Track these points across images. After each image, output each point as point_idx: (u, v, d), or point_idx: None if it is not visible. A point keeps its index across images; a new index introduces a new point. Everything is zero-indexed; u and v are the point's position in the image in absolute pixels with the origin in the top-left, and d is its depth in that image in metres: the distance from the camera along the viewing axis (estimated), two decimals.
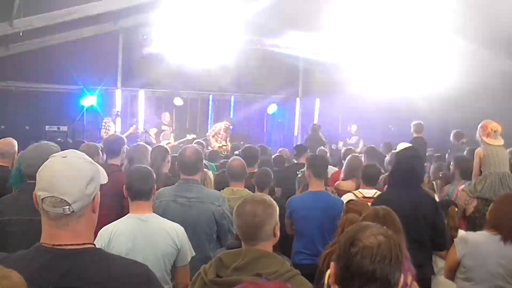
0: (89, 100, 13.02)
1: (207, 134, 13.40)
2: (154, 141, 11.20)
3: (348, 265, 1.64)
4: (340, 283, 1.68)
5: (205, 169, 5.06)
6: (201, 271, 2.34)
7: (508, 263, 3.46)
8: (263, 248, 2.32)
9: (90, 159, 1.89)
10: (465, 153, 7.09)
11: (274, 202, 2.47)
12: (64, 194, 1.74)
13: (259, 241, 2.33)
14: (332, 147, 12.57)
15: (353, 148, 8.93)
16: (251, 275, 2.15)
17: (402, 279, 1.67)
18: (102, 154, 5.23)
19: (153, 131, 12.63)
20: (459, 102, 12.70)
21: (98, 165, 1.94)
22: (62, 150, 2.12)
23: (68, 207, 1.74)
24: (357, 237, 1.67)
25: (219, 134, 13.31)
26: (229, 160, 4.96)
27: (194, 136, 12.47)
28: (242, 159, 4.85)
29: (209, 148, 12.08)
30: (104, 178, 1.92)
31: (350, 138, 13.18)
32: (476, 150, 5.69)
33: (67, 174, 1.76)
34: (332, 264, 1.73)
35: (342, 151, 8.03)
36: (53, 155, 1.85)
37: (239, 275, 2.17)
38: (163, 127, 12.68)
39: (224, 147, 12.42)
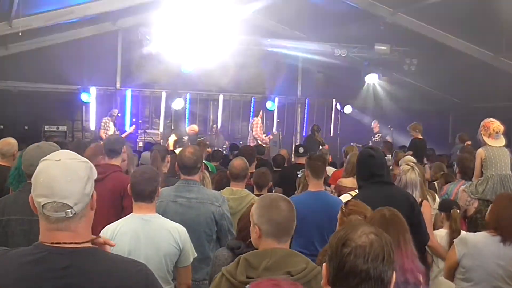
0: (86, 99, 13.05)
1: (254, 133, 13.47)
2: (171, 148, 11.05)
3: (341, 265, 1.63)
4: (333, 284, 1.66)
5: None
6: (224, 273, 2.31)
7: (507, 264, 3.48)
8: (287, 246, 2.36)
9: (82, 157, 1.87)
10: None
11: None
12: (65, 198, 1.73)
13: (288, 237, 2.38)
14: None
15: (353, 145, 8.91)
16: (282, 274, 2.16)
17: (394, 277, 1.67)
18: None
19: (172, 138, 12.46)
20: (459, 101, 12.78)
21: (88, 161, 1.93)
22: (61, 149, 2.10)
23: (70, 210, 1.74)
24: (348, 237, 1.66)
25: (260, 125, 13.70)
26: (232, 160, 4.96)
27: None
28: (245, 160, 4.85)
29: (259, 142, 12.35)
30: (95, 173, 1.90)
31: (374, 136, 13.07)
32: (477, 151, 5.68)
33: (65, 177, 1.74)
34: (324, 265, 1.72)
35: (344, 148, 7.98)
36: (44, 158, 1.81)
37: (270, 274, 2.17)
38: (185, 137, 12.50)
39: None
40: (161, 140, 13.27)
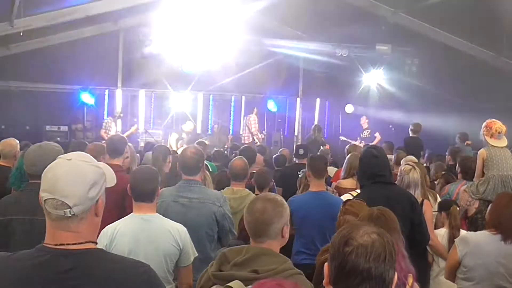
0: (88, 99, 13.05)
1: (253, 130, 13.67)
2: (174, 148, 11.07)
3: (343, 264, 1.63)
4: (335, 283, 1.66)
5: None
6: (209, 266, 2.38)
7: (509, 262, 3.48)
8: (269, 247, 2.34)
9: (96, 162, 1.88)
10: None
11: (285, 203, 2.48)
12: (65, 197, 1.74)
13: (266, 238, 2.36)
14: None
15: (356, 143, 8.90)
16: (248, 271, 2.18)
17: (396, 277, 1.67)
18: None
19: (174, 137, 12.46)
20: (459, 101, 12.76)
21: (107, 166, 1.92)
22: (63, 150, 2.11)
23: (69, 210, 1.74)
24: (350, 236, 1.66)
25: (257, 122, 13.87)
26: (232, 160, 4.96)
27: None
28: (245, 159, 4.85)
29: (255, 139, 12.63)
30: (111, 181, 1.90)
31: (362, 132, 13.04)
32: (479, 151, 5.68)
33: (70, 177, 1.76)
34: (325, 264, 1.71)
35: (347, 147, 7.93)
36: (59, 156, 1.85)
37: (237, 270, 2.21)
38: (183, 135, 12.58)
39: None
40: (163, 140, 13.27)
